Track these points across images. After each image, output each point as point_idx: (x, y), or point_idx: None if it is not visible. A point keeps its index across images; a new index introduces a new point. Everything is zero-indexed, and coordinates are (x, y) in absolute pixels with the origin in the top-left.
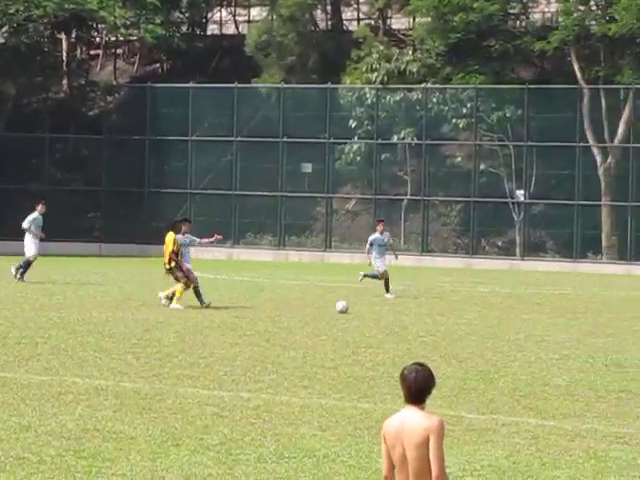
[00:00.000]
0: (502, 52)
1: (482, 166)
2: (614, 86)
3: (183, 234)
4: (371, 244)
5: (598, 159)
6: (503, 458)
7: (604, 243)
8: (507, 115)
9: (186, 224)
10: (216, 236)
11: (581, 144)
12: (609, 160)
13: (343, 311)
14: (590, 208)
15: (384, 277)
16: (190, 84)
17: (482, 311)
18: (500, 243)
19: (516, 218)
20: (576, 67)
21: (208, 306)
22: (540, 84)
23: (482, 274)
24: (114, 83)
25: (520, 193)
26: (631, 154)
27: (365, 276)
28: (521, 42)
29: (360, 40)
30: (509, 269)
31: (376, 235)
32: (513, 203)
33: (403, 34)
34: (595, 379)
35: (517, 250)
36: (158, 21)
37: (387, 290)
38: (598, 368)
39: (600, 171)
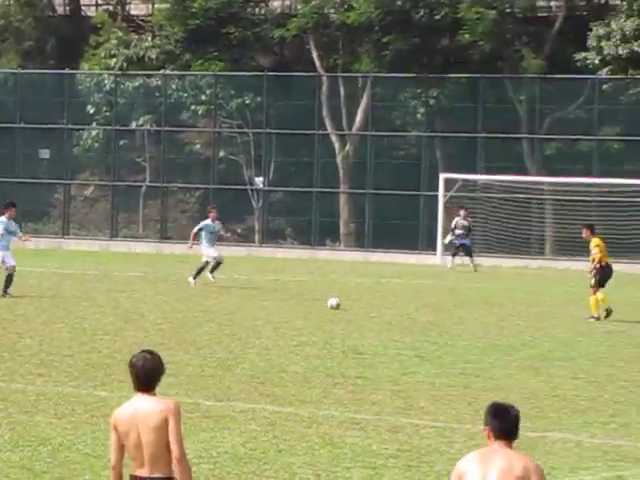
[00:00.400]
0: (241, 39)
1: (221, 153)
2: (352, 74)
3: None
4: (200, 229)
5: (336, 146)
6: (240, 445)
7: (342, 230)
8: (246, 102)
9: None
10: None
11: (320, 132)
12: (347, 148)
13: (334, 307)
14: (328, 195)
15: (219, 262)
16: None
17: (220, 298)
18: (239, 230)
19: (255, 205)
20: (315, 55)
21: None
22: (279, 71)
23: None
24: None
25: (259, 180)
26: (369, 142)
27: (197, 275)
28: (260, 29)
29: (99, 26)
30: (248, 256)
31: (207, 222)
32: (252, 190)
33: (142, 20)
34: (332, 366)
35: (256, 237)
36: None
37: (211, 271)
38: (335, 355)
39: (338, 159)
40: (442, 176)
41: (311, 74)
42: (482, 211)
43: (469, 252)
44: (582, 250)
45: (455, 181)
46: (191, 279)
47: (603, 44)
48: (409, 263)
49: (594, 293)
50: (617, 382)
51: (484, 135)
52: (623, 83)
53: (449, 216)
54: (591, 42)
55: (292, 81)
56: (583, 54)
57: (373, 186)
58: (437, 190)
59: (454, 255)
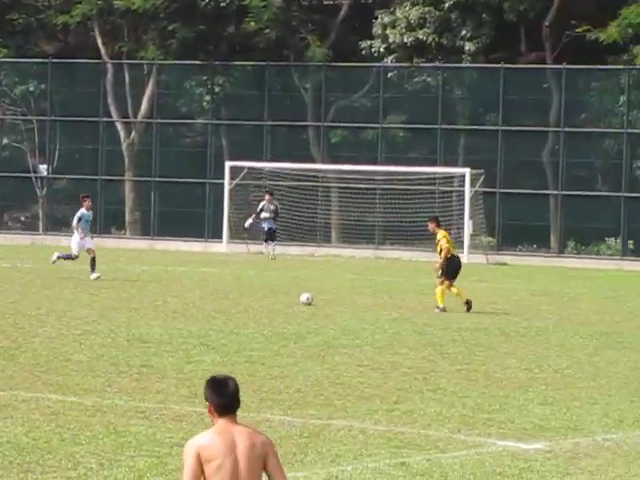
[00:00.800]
0: (25, 26)
1: (5, 140)
2: (138, 61)
3: None
4: (79, 219)
5: (122, 134)
6: (22, 434)
7: (128, 218)
8: (30, 89)
9: None
10: None
11: (105, 119)
12: (133, 135)
13: (307, 302)
14: (114, 183)
15: (92, 255)
16: None
17: (4, 287)
18: (23, 218)
19: (39, 193)
20: (100, 42)
21: None
22: (64, 58)
23: (4, 250)
24: None
25: (43, 168)
26: (154, 129)
27: (59, 258)
28: (44, 16)
29: None
30: (32, 244)
31: (82, 211)
32: (36, 178)
33: None
34: (117, 354)
35: (40, 225)
36: None
37: (92, 270)
38: (120, 343)
39: (124, 146)
40: (228, 164)
41: (96, 61)
42: (253, 209)
43: (273, 237)
44: (367, 237)
45: (241, 169)
46: (55, 256)
47: (388, 32)
48: (195, 251)
49: (441, 284)
50: (401, 369)
51: (270, 123)
52: (408, 71)
53: (243, 203)
54: (376, 30)
55: (77, 68)
56: (368, 42)
57: (159, 174)
58: (223, 178)
59: (266, 240)
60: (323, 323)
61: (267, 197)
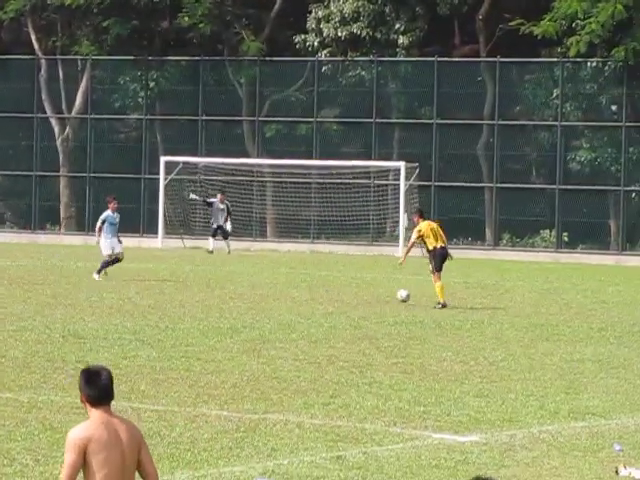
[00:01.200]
0: None
1: None
2: (72, 57)
3: None
4: (103, 222)
5: (56, 130)
6: None
7: (62, 214)
8: None
9: None
10: None
11: (39, 115)
12: (67, 131)
13: (405, 299)
14: (49, 179)
15: (118, 257)
16: None
17: None
18: None
19: None
20: (33, 37)
21: None
22: None
23: None
24: None
25: None
26: (89, 125)
27: (100, 272)
28: None
29: None
30: None
31: (108, 213)
32: None
33: None
34: (52, 350)
35: None
36: None
37: (98, 271)
38: (55, 339)
39: (58, 142)
40: (163, 159)
41: (30, 57)
42: (204, 194)
43: (226, 235)
44: (303, 232)
45: (176, 164)
46: (96, 276)
47: (322, 26)
48: (131, 246)
49: (438, 279)
50: (337, 363)
51: (205, 118)
52: (342, 65)
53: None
54: (310, 24)
55: (10, 64)
56: (303, 36)
57: (93, 169)
58: (158, 173)
59: (214, 236)
60: (259, 317)
61: (219, 196)
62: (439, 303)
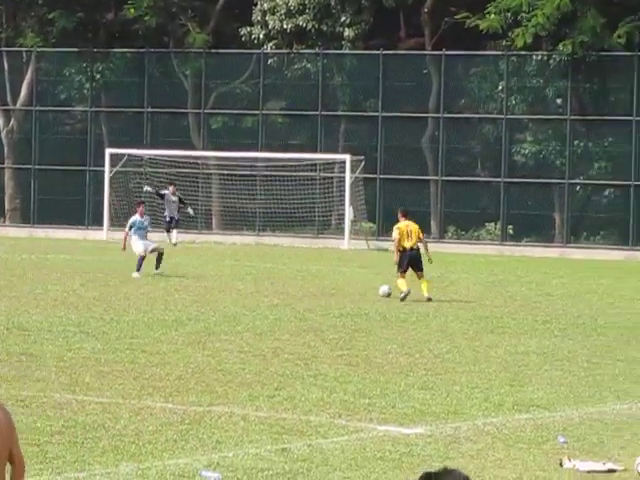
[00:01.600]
0: None
1: None
2: (16, 49)
3: None
4: (131, 227)
5: (1, 122)
6: None
7: (7, 206)
8: None
9: None
10: None
11: None
12: (12, 123)
13: (387, 294)
14: None
15: (159, 251)
16: None
17: None
18: None
19: None
20: None
21: None
22: None
23: None
24: None
25: None
26: (34, 117)
27: (139, 269)
28: None
29: None
30: None
31: (136, 217)
32: None
33: None
34: None
35: None
36: None
37: (156, 267)
38: (0, 331)
39: (3, 134)
40: (108, 151)
41: None
42: (155, 187)
43: (175, 226)
44: (248, 224)
45: (121, 156)
46: (135, 273)
47: (268, 18)
48: (75, 239)
49: (401, 277)
50: (282, 355)
51: (150, 110)
52: (288, 58)
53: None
54: (256, 16)
55: None
56: (248, 29)
57: (38, 161)
58: (103, 165)
59: (168, 230)
60: (204, 310)
61: (170, 188)
62: (402, 292)
